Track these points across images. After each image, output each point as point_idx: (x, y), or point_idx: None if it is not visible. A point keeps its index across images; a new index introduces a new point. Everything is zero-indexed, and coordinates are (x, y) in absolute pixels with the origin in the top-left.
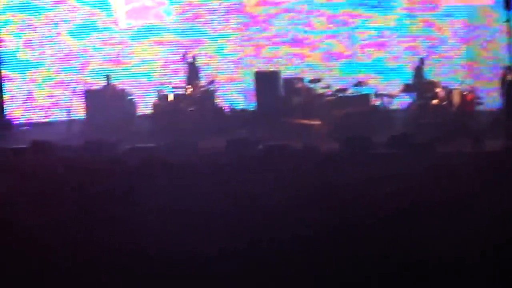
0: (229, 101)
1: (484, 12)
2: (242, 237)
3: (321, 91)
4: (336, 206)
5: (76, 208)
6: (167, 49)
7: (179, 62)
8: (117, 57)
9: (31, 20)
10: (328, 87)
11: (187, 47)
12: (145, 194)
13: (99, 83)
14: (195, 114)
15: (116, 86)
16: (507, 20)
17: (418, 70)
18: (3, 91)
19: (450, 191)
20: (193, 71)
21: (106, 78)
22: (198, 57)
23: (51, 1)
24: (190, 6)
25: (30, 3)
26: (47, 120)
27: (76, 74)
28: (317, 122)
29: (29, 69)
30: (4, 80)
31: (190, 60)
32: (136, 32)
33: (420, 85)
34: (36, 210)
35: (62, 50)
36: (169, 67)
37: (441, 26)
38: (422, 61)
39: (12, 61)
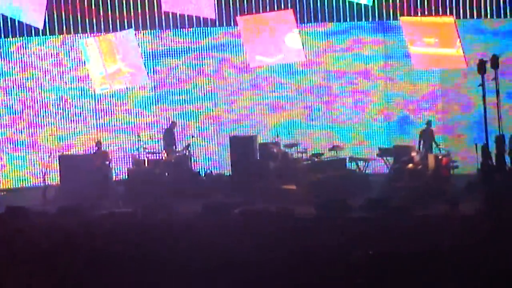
0: (205, 166)
1: (458, 76)
2: None
3: (297, 155)
4: (312, 269)
5: (52, 274)
6: (143, 114)
7: (156, 128)
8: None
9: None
10: (304, 151)
11: (163, 112)
12: (122, 258)
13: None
14: (171, 179)
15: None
16: (481, 84)
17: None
18: None
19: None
20: (169, 136)
21: (96, 144)
22: (174, 122)
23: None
24: (167, 72)
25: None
26: (21, 185)
27: (51, 139)
28: (293, 187)
29: (3, 134)
30: None
31: (168, 126)
32: (113, 97)
33: (395, 149)
34: (10, 275)
35: (37, 115)
36: (145, 132)
37: (416, 90)
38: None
39: None
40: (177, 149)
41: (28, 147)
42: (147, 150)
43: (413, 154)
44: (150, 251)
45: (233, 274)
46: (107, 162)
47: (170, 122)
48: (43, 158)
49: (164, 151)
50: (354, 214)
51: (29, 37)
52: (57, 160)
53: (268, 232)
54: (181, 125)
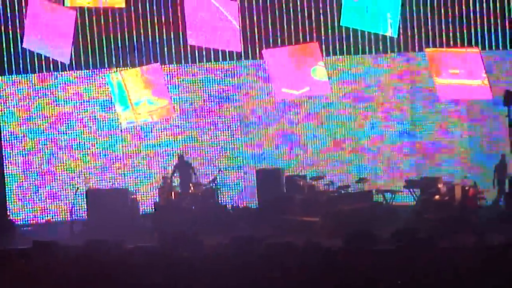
0: (231, 199)
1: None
2: None
3: (323, 188)
4: None
5: None
6: (169, 147)
7: (181, 160)
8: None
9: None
10: (330, 184)
11: (188, 145)
12: None
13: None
14: (198, 212)
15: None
16: (508, 115)
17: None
18: (6, 191)
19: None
20: (184, 170)
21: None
22: (199, 155)
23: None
24: (193, 105)
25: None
26: (49, 220)
27: (78, 174)
28: (319, 219)
29: (32, 170)
30: (6, 180)
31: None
32: (139, 130)
33: (422, 180)
34: None
35: (64, 149)
36: (172, 165)
37: (442, 123)
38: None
39: (14, 161)
40: (203, 182)
41: (54, 181)
42: (174, 184)
43: (440, 185)
44: (177, 285)
45: None
46: (133, 196)
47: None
48: (70, 193)
49: (191, 184)
50: (380, 246)
51: (56, 72)
52: (84, 195)
53: (294, 265)
54: (208, 159)
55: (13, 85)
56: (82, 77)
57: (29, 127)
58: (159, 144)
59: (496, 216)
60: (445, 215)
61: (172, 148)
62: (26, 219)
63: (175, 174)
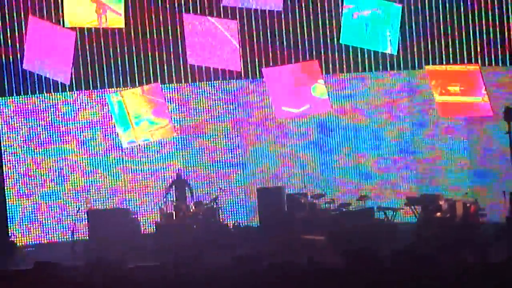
0: (233, 218)
1: (484, 124)
2: None
3: (324, 206)
4: None
5: None
6: (170, 167)
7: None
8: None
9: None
10: (331, 202)
11: (189, 165)
12: None
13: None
14: (200, 231)
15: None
16: (508, 132)
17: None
18: (7, 212)
19: None
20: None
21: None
22: (200, 175)
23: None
24: (194, 124)
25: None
26: (50, 241)
27: (79, 195)
28: (321, 237)
29: (33, 191)
30: (7, 201)
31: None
32: (139, 150)
33: (423, 197)
34: None
35: (65, 170)
36: (172, 184)
37: (442, 138)
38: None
39: (15, 182)
40: (204, 202)
41: (56, 203)
42: (174, 203)
43: (441, 202)
44: None
45: None
46: (134, 216)
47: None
48: (71, 213)
49: (192, 204)
50: (382, 263)
51: (56, 93)
52: (86, 215)
53: (296, 284)
54: (209, 178)
55: (14, 106)
56: (82, 98)
57: (30, 148)
58: (160, 163)
59: (499, 232)
60: (447, 232)
61: (173, 167)
62: (28, 240)
63: (171, 194)
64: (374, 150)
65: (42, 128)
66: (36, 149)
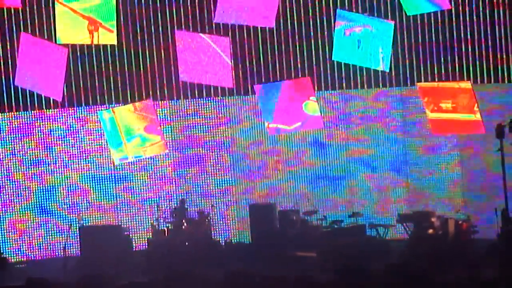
0: (224, 234)
1: (476, 142)
2: None
3: (316, 222)
4: None
5: None
6: (162, 184)
7: (175, 197)
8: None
9: (24, 154)
10: (323, 218)
11: (181, 180)
12: None
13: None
14: (191, 248)
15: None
16: (500, 149)
17: None
18: None
19: None
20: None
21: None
22: (191, 192)
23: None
24: (186, 141)
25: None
26: (42, 257)
27: (71, 211)
28: (313, 254)
29: (24, 206)
30: None
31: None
32: (131, 167)
33: (415, 214)
34: None
35: (57, 187)
36: (164, 202)
37: (435, 156)
38: None
39: (7, 199)
40: (196, 218)
41: (48, 219)
42: (167, 220)
43: (433, 219)
44: None
45: None
46: (126, 233)
47: (180, 201)
48: (64, 230)
49: (183, 220)
50: (374, 280)
51: (48, 109)
52: (78, 231)
53: None
54: (201, 194)
55: (5, 122)
56: (74, 114)
57: (21, 164)
58: (151, 180)
59: (490, 250)
60: (439, 249)
61: (164, 184)
62: (19, 257)
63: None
64: (366, 166)
65: (34, 145)
66: (28, 165)
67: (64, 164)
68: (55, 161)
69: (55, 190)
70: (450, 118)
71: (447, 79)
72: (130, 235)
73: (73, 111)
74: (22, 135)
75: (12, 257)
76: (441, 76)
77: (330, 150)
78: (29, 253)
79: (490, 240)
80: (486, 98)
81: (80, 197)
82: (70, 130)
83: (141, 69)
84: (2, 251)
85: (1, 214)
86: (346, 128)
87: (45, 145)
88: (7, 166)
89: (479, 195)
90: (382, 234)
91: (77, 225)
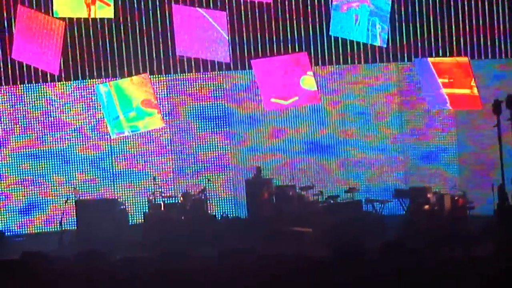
0: (221, 210)
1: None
2: None
3: (313, 198)
4: None
5: None
6: (158, 158)
7: (172, 171)
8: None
9: (20, 127)
10: (319, 194)
11: (176, 155)
12: None
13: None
14: (187, 223)
15: None
16: (497, 125)
17: None
18: None
19: None
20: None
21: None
22: (189, 166)
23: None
24: (182, 115)
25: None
26: (38, 231)
27: (67, 184)
28: (309, 229)
29: (21, 180)
30: None
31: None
32: (128, 141)
33: (411, 190)
34: None
35: (54, 160)
36: (161, 176)
37: (431, 130)
38: None
39: (3, 172)
40: (192, 193)
41: (44, 193)
42: (163, 194)
43: (429, 195)
44: None
45: None
46: (122, 207)
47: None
48: (60, 203)
49: (180, 195)
50: (370, 256)
51: (44, 83)
52: (74, 205)
53: (284, 276)
54: (197, 169)
55: (1, 96)
56: (71, 88)
57: (18, 138)
58: (148, 154)
59: (486, 226)
60: (435, 225)
61: (160, 158)
62: (15, 230)
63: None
64: (363, 141)
65: (30, 118)
66: (24, 138)
67: (60, 137)
68: (51, 134)
69: (51, 164)
70: (447, 92)
71: (445, 54)
72: (126, 208)
73: (69, 84)
74: (18, 108)
75: (8, 231)
76: (438, 51)
77: (327, 125)
78: (25, 227)
79: (487, 216)
80: (483, 74)
81: (76, 171)
82: (67, 103)
83: (138, 43)
84: None
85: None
86: (342, 103)
87: (41, 119)
88: (1, 139)
89: (476, 171)
90: (378, 210)
91: (73, 198)
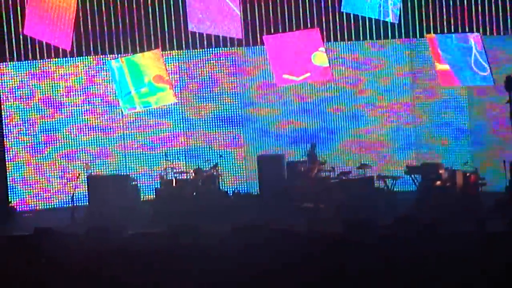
0: (233, 186)
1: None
2: None
3: (324, 174)
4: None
5: None
6: (171, 134)
7: (183, 147)
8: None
9: (33, 102)
10: (331, 170)
11: (189, 131)
12: (152, 277)
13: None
14: (199, 198)
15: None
16: (509, 101)
17: None
18: (7, 178)
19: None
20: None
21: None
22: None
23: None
24: (195, 92)
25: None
26: (50, 206)
27: (79, 160)
28: (321, 205)
29: (33, 156)
30: (8, 168)
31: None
32: (140, 117)
33: (423, 166)
34: None
35: (66, 137)
36: (173, 151)
37: (443, 107)
38: None
39: (16, 148)
40: (204, 169)
41: (57, 169)
42: (174, 170)
43: (441, 171)
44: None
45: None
46: (134, 183)
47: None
48: (72, 179)
49: (192, 171)
50: (382, 231)
51: (57, 58)
52: (86, 181)
53: (295, 250)
54: (209, 145)
55: (14, 72)
56: (83, 63)
57: (30, 114)
58: (160, 130)
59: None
60: (447, 201)
61: (173, 133)
62: (27, 206)
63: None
64: (375, 117)
65: (42, 93)
66: (36, 114)
67: (72, 113)
68: (63, 110)
69: (63, 140)
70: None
71: (456, 30)
72: (138, 184)
73: (82, 60)
74: (29, 84)
75: (20, 207)
76: (450, 27)
77: (339, 101)
78: (37, 203)
79: (498, 193)
80: (496, 50)
81: (88, 147)
82: (78, 79)
83: (150, 19)
84: (10, 200)
85: (10, 164)
86: (354, 79)
87: (54, 94)
88: (14, 115)
89: (488, 148)
90: (390, 186)
91: (85, 174)
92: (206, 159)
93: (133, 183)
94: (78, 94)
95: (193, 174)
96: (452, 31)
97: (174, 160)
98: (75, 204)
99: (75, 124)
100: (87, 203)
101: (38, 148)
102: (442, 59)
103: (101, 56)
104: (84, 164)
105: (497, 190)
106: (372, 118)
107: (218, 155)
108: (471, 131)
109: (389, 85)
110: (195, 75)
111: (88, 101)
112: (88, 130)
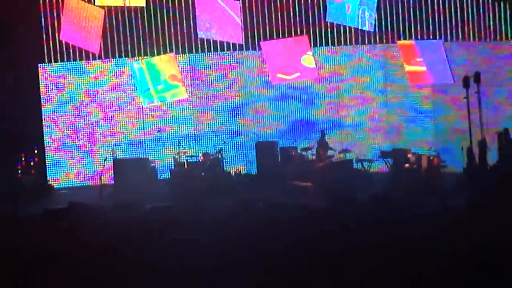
0: (235, 167)
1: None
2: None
3: (312, 157)
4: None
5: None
6: (184, 124)
7: (193, 136)
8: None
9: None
10: (317, 154)
11: (198, 122)
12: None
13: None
14: (207, 178)
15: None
16: (466, 97)
17: None
18: (46, 159)
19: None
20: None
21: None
22: (207, 130)
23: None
24: (204, 88)
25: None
26: (82, 185)
27: (107, 146)
28: (309, 184)
29: (68, 142)
30: (46, 151)
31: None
32: (157, 110)
33: (394, 151)
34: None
35: (97, 126)
36: (185, 138)
37: (412, 102)
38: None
39: (55, 135)
40: (211, 153)
41: (87, 153)
42: (186, 154)
43: (409, 155)
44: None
45: (257, 254)
46: (153, 164)
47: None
48: (100, 162)
49: (201, 154)
50: (360, 207)
51: (87, 60)
52: (112, 163)
53: (287, 222)
54: (215, 133)
55: (53, 71)
56: (109, 65)
57: (66, 106)
58: (174, 120)
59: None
60: (414, 181)
61: (184, 124)
62: (63, 183)
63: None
64: (354, 111)
65: (76, 89)
66: (71, 107)
67: (101, 107)
68: (94, 105)
69: (93, 128)
70: (424, 70)
71: (422, 37)
72: (156, 166)
73: (108, 62)
74: (66, 80)
75: (57, 185)
76: (417, 34)
77: (323, 96)
78: (71, 181)
79: (457, 173)
80: (456, 54)
81: (114, 135)
82: (106, 77)
83: (166, 27)
84: (48, 179)
85: (49, 148)
86: (338, 79)
87: (86, 91)
88: (53, 108)
89: (449, 136)
90: (367, 168)
91: (111, 158)
92: (213, 145)
93: (152, 165)
94: (105, 91)
95: (201, 158)
96: (419, 38)
97: (185, 146)
98: (103, 183)
99: (102, 116)
100: (113, 182)
101: (73, 135)
102: (413, 62)
103: (125, 58)
104: (111, 149)
105: (456, 171)
106: (352, 110)
107: (223, 142)
108: (436, 122)
109: (366, 82)
110: (204, 74)
111: (114, 96)
112: (113, 121)
